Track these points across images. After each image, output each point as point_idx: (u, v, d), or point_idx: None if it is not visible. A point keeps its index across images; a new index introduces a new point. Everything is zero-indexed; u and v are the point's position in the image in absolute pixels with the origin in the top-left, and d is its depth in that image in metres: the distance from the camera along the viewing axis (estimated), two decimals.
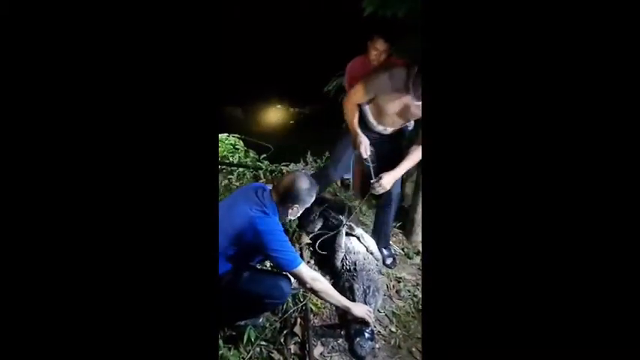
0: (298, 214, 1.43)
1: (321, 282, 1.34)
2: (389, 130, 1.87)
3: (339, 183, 2.75)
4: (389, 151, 1.91)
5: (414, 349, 1.45)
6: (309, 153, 3.08)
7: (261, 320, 1.48)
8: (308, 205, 1.41)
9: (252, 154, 2.79)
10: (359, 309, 1.43)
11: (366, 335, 1.41)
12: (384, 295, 1.72)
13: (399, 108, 1.71)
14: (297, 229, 2.11)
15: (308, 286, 1.32)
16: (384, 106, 1.73)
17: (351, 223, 2.08)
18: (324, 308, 1.61)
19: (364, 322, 1.43)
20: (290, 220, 2.13)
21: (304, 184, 1.35)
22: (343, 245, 1.91)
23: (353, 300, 1.53)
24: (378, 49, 1.99)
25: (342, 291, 1.61)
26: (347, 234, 1.98)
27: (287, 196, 1.34)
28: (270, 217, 1.32)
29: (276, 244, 1.28)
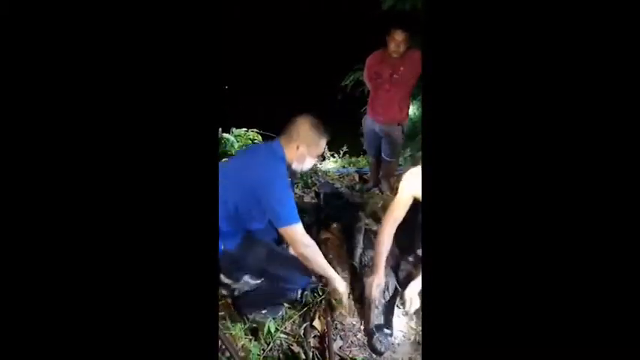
0: (306, 164, 1.33)
1: (312, 250, 1.27)
2: None
3: (357, 178, 2.74)
4: None
5: None
6: (326, 148, 3.08)
7: (280, 313, 1.50)
8: (316, 149, 1.31)
9: None
10: (340, 283, 1.40)
11: (386, 331, 1.41)
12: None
13: None
14: (315, 224, 2.12)
15: (298, 250, 1.25)
16: None
17: (370, 219, 2.07)
18: (343, 303, 1.61)
19: (386, 319, 1.43)
20: (307, 213, 2.15)
21: (306, 119, 1.28)
22: (361, 241, 1.91)
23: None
24: (396, 40, 1.98)
25: (361, 286, 1.61)
26: (366, 230, 1.98)
27: (290, 135, 1.26)
28: (276, 163, 1.24)
29: (276, 193, 1.20)
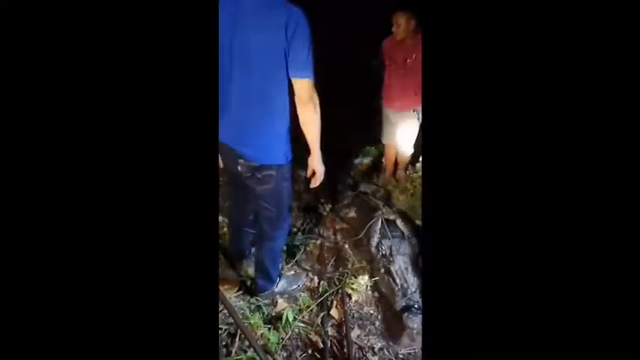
0: None
1: (316, 110, 1.13)
2: None
3: (373, 167, 2.71)
4: None
5: None
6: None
7: (299, 284, 1.55)
8: None
9: None
10: (319, 163, 1.25)
11: (414, 310, 1.42)
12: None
13: None
14: (331, 214, 2.12)
15: (305, 104, 1.12)
16: None
17: (386, 208, 2.05)
18: (360, 292, 1.61)
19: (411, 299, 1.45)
20: (324, 204, 2.15)
21: None
22: (379, 230, 1.89)
23: (394, 283, 1.53)
24: (400, 24, 1.93)
25: (379, 273, 1.61)
26: (382, 219, 1.96)
27: None
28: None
29: (305, 42, 1.06)
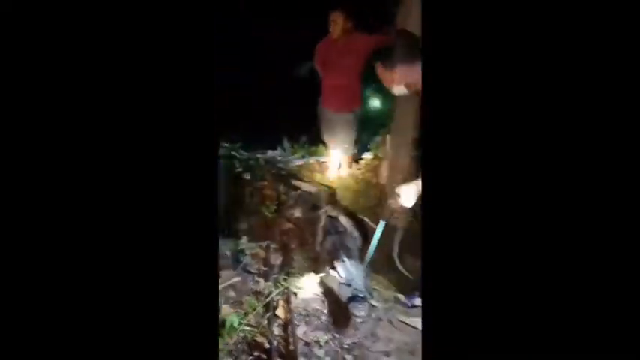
0: None
1: None
2: None
3: (316, 167, 2.76)
4: None
5: (393, 320, 1.50)
6: (285, 139, 3.06)
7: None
8: None
9: (226, 144, 2.75)
10: None
11: (358, 299, 1.49)
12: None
13: None
14: (276, 215, 2.12)
15: None
16: None
17: (330, 206, 2.10)
18: (305, 289, 1.63)
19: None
20: (268, 206, 2.14)
21: None
22: (323, 228, 1.94)
23: (339, 276, 1.59)
24: (335, 22, 2.00)
25: (325, 269, 1.64)
26: (325, 217, 2.01)
27: None
28: None
29: None
